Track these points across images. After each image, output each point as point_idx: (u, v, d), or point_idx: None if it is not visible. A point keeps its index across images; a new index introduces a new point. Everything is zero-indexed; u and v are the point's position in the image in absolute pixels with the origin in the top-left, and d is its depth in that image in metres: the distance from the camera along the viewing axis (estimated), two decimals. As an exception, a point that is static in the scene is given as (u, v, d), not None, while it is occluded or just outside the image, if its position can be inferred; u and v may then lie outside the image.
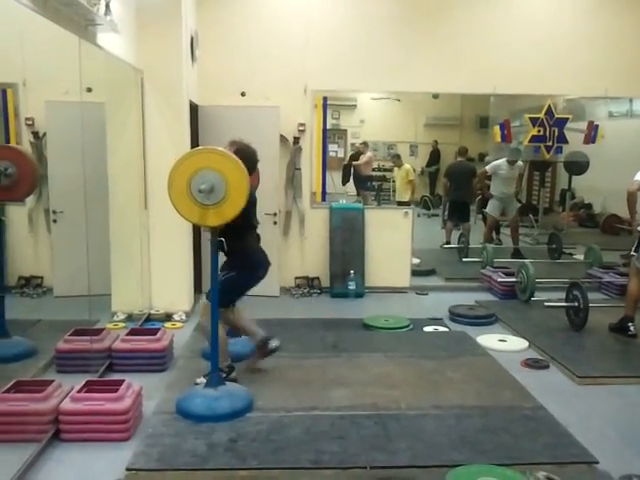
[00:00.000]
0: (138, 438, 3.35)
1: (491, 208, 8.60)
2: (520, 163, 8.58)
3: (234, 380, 3.98)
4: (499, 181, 8.40)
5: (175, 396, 3.75)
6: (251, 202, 3.83)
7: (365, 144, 11.78)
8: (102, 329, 4.58)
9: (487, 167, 8.58)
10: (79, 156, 4.45)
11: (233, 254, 3.96)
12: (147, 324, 5.25)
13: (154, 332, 4.47)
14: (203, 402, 3.59)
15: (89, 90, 4.88)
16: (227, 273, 3.95)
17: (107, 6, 4.05)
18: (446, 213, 9.55)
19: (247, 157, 3.75)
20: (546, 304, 5.74)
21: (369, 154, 11.67)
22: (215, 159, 3.52)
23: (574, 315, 5.37)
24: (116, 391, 3.40)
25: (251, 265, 4.06)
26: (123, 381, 3.54)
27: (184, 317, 5.54)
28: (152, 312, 5.51)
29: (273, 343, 4.19)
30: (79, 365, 4.06)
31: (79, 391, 3.45)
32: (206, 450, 3.20)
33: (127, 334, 4.47)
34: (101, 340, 4.34)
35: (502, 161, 8.34)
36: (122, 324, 5.18)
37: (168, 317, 5.50)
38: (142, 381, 3.78)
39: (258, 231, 4.16)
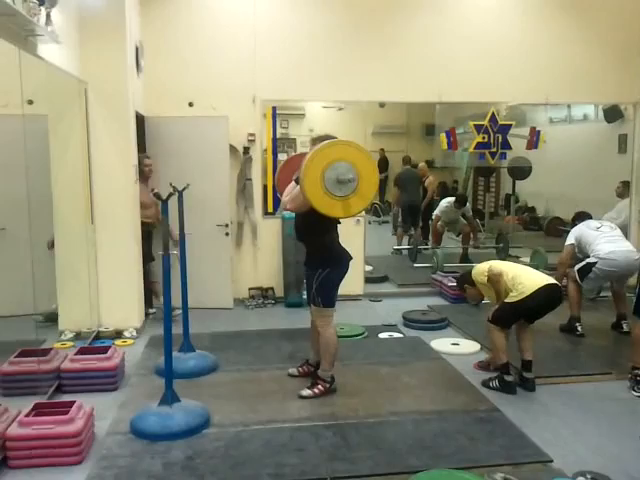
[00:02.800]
0: (91, 461, 3.24)
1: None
2: (467, 207, 8.94)
3: (334, 391, 4.05)
4: (445, 219, 8.88)
5: (128, 415, 3.65)
6: None
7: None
8: (50, 349, 4.42)
9: (437, 212, 8.96)
10: (21, 170, 4.29)
11: (319, 250, 4.02)
12: (96, 342, 5.10)
13: (104, 350, 4.35)
14: (158, 420, 3.50)
15: (30, 102, 4.72)
16: (321, 272, 3.96)
17: (48, 16, 3.93)
18: (399, 220, 9.71)
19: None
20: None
21: None
22: (349, 151, 3.64)
23: None
24: (67, 413, 3.29)
25: (340, 259, 4.06)
26: (74, 402, 3.42)
27: (135, 333, 5.41)
28: (101, 329, 5.35)
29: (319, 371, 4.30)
30: (26, 387, 3.90)
31: (27, 415, 3.32)
32: (162, 470, 3.12)
33: (76, 353, 4.33)
34: (49, 361, 4.18)
35: (450, 204, 8.68)
36: (70, 343, 5.01)
37: (118, 334, 5.36)
38: (93, 401, 3.68)
39: None
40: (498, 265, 4.46)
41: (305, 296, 6.23)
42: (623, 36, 6.97)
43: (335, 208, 3.67)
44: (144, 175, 5.88)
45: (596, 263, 5.15)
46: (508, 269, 4.35)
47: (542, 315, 4.28)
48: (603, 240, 5.22)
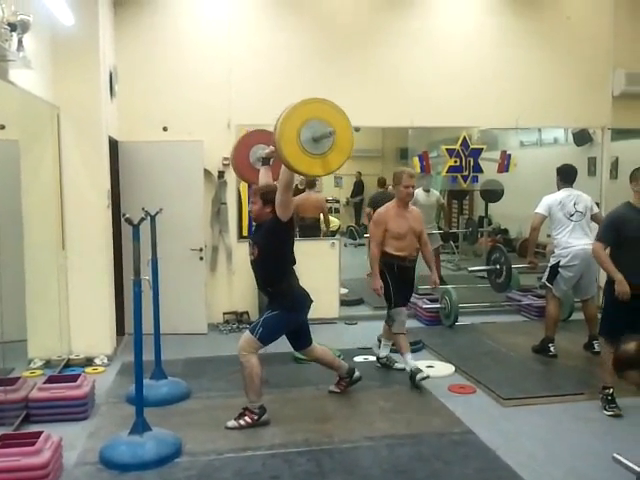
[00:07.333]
0: (59, 493, 3.16)
1: None
2: (434, 192, 8.86)
3: (266, 423, 3.92)
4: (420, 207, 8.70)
5: (98, 445, 3.58)
6: (292, 236, 4.06)
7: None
8: (18, 378, 4.31)
9: None
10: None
11: (278, 295, 3.99)
12: (66, 370, 5.00)
13: (74, 378, 4.26)
14: (128, 450, 3.44)
15: (2, 127, 4.69)
16: (271, 311, 3.97)
17: (20, 42, 3.91)
18: None
19: (270, 190, 3.90)
20: (470, 269, 6.40)
21: None
22: (323, 109, 3.62)
23: (496, 278, 5.56)
24: (34, 444, 3.20)
25: (296, 306, 4.05)
26: (41, 433, 3.33)
27: (106, 361, 5.32)
28: (72, 357, 5.25)
29: (357, 373, 4.59)
30: (-8, 418, 3.81)
31: (-8, 447, 3.23)
32: (133, 501, 3.06)
33: (45, 382, 4.24)
34: (17, 390, 4.08)
35: (419, 190, 8.64)
36: (40, 371, 4.89)
37: (89, 361, 5.26)
38: (62, 431, 3.61)
39: None
40: None
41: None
42: (591, 63, 7.19)
43: (314, 167, 3.56)
44: (402, 199, 4.97)
45: (559, 263, 5.25)
46: None
47: None
48: (567, 235, 5.28)
